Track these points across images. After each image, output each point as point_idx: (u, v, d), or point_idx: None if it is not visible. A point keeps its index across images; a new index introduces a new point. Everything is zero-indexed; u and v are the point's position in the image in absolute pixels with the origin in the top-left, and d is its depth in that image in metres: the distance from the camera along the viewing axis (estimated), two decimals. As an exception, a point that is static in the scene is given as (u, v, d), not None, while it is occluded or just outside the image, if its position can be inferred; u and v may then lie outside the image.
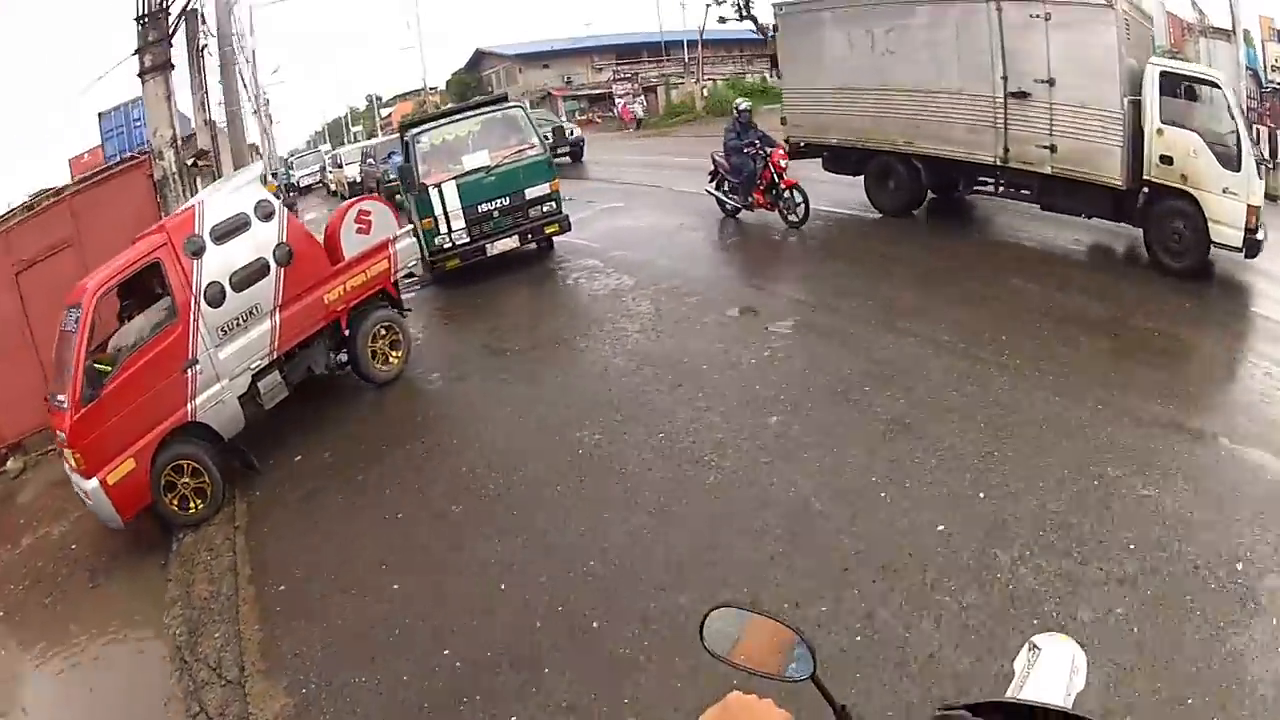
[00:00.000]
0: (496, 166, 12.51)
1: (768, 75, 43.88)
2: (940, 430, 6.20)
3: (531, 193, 12.54)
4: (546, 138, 17.46)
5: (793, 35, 13.72)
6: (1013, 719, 1.21)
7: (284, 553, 6.51)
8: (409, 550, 6.20)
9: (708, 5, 40.00)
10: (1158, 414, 6.13)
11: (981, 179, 11.31)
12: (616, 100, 44.14)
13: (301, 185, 38.23)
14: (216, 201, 7.97)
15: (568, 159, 23.20)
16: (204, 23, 15.54)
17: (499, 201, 12.46)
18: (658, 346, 8.74)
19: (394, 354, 8.95)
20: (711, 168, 13.42)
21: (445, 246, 12.31)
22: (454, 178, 12.25)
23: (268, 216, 7.96)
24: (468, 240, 12.42)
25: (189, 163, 13.58)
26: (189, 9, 14.95)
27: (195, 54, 15.27)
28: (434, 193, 12.15)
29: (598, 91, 47.72)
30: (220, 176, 14.98)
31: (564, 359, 9.04)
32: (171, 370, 7.09)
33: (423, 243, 11.74)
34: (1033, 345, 7.42)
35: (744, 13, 42.08)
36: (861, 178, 12.83)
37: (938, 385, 6.94)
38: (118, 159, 25.64)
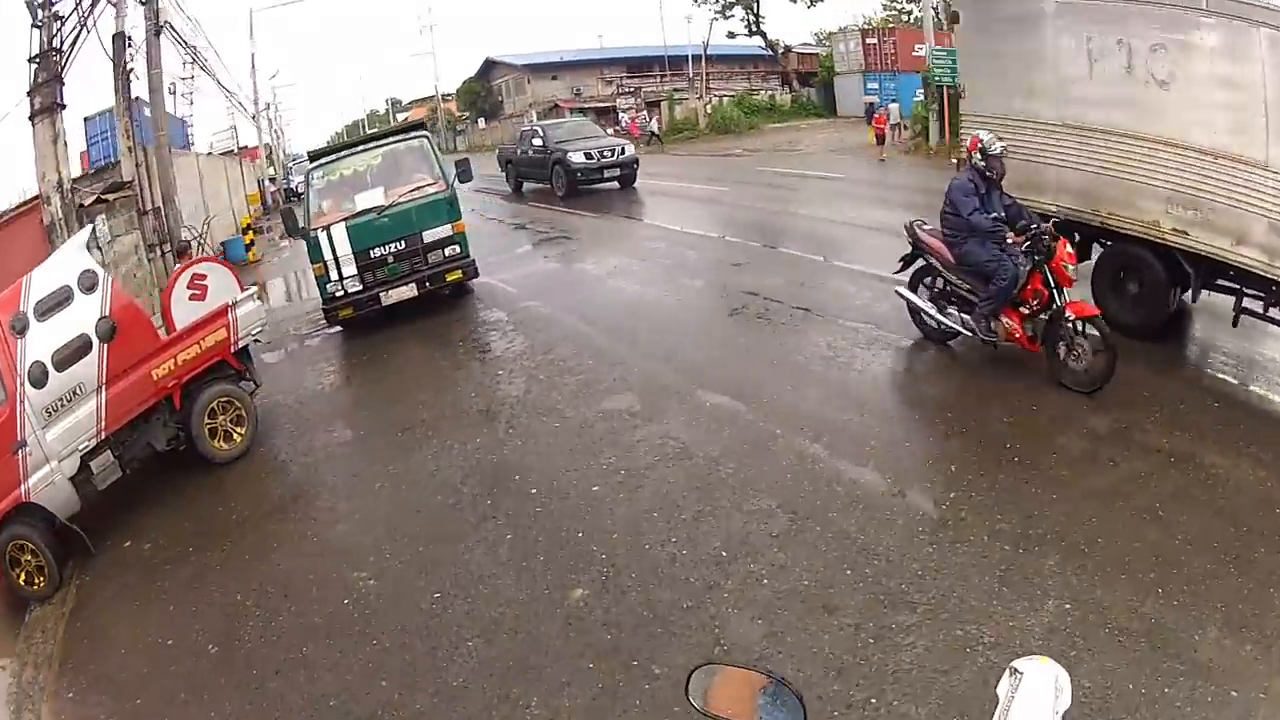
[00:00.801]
0: (390, 206, 11.04)
1: (778, 93, 42.49)
2: None
3: (430, 235, 11.12)
4: (595, 154, 20.50)
5: (987, 32, 8.48)
6: None
7: (92, 647, 5.71)
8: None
9: (712, 19, 38.79)
10: None
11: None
12: (620, 114, 42.92)
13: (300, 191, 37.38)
14: (43, 274, 7.20)
15: (615, 184, 20.93)
16: (130, 45, 14.39)
17: (393, 245, 10.99)
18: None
19: (237, 430, 7.85)
20: (908, 249, 7.68)
21: (337, 295, 10.98)
22: (344, 219, 10.95)
23: (90, 288, 7.19)
24: (360, 288, 11.01)
25: (88, 201, 12.34)
26: (117, 34, 13.93)
27: (122, 80, 14.18)
28: (323, 236, 10.88)
29: (606, 105, 46.49)
30: (144, 208, 13.81)
31: (399, 456, 7.39)
32: (3, 452, 6.51)
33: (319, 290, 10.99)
34: None
35: (753, 28, 40.75)
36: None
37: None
38: (104, 163, 25.30)
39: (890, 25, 38.96)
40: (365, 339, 11.03)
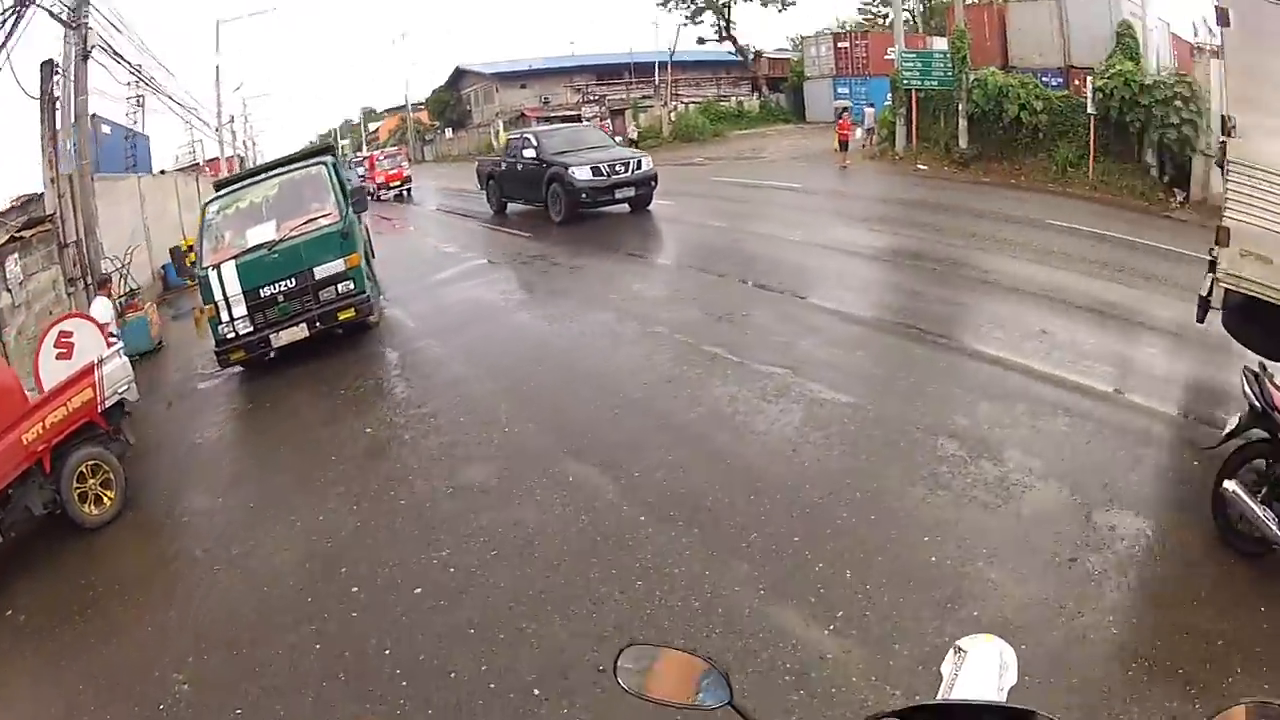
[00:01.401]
0: (280, 242, 10.45)
1: (747, 100, 42.13)
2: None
3: (322, 271, 10.49)
4: (605, 169, 16.72)
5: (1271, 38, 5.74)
6: None
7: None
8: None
9: (680, 25, 38.33)
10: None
11: None
12: (584, 123, 42.47)
13: None
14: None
15: (626, 206, 17.41)
16: (58, 73, 14.04)
17: (283, 284, 10.39)
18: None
19: (107, 494, 7.31)
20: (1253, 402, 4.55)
21: (229, 337, 10.39)
22: (234, 257, 10.44)
23: (-46, 351, 6.62)
24: (251, 330, 10.40)
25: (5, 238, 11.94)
26: (45, 62, 13.57)
27: (48, 106, 13.81)
28: (213, 275, 10.34)
29: (573, 113, 46.06)
30: (64, 240, 13.46)
31: (245, 534, 6.63)
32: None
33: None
34: None
35: (723, 33, 40.34)
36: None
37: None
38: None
39: (864, 29, 38.57)
40: (253, 383, 10.57)
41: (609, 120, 41.86)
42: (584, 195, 16.28)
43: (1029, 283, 10.50)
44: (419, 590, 5.36)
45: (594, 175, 16.35)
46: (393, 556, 5.80)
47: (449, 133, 61.16)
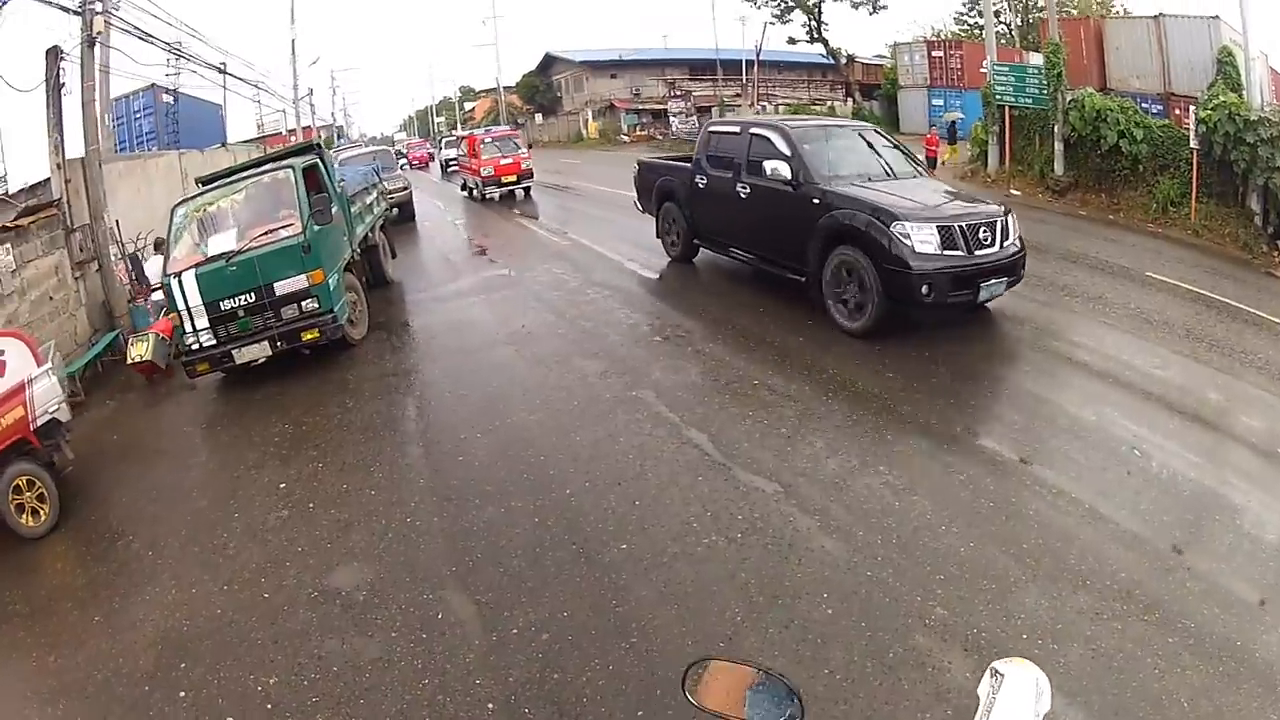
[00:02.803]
0: (240, 253, 9.32)
1: (839, 104, 39.86)
2: None
3: (282, 287, 9.33)
4: (967, 233, 8.09)
5: None
6: None
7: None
8: None
9: (766, 23, 36.21)
10: None
11: None
12: (671, 118, 40.92)
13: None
14: None
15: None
16: (63, 59, 13.34)
17: (242, 298, 9.28)
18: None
19: (43, 507, 7.04)
20: None
21: (194, 348, 9.49)
22: (195, 266, 9.37)
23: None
24: (214, 343, 9.45)
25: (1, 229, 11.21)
26: (50, 49, 12.88)
27: (54, 93, 13.15)
28: (174, 284, 9.34)
29: (660, 107, 44.52)
30: (72, 226, 12.81)
31: (127, 590, 5.78)
32: None
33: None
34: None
35: (814, 34, 38.14)
36: None
37: None
38: (119, 149, 24.91)
39: (958, 39, 35.92)
40: (218, 396, 9.93)
41: (694, 117, 40.16)
42: (925, 286, 7.91)
43: (1124, 367, 8.20)
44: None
45: (943, 244, 7.97)
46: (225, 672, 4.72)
47: (539, 118, 60.35)
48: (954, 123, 27.03)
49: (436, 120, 74.57)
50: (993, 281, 8.34)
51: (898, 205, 8.22)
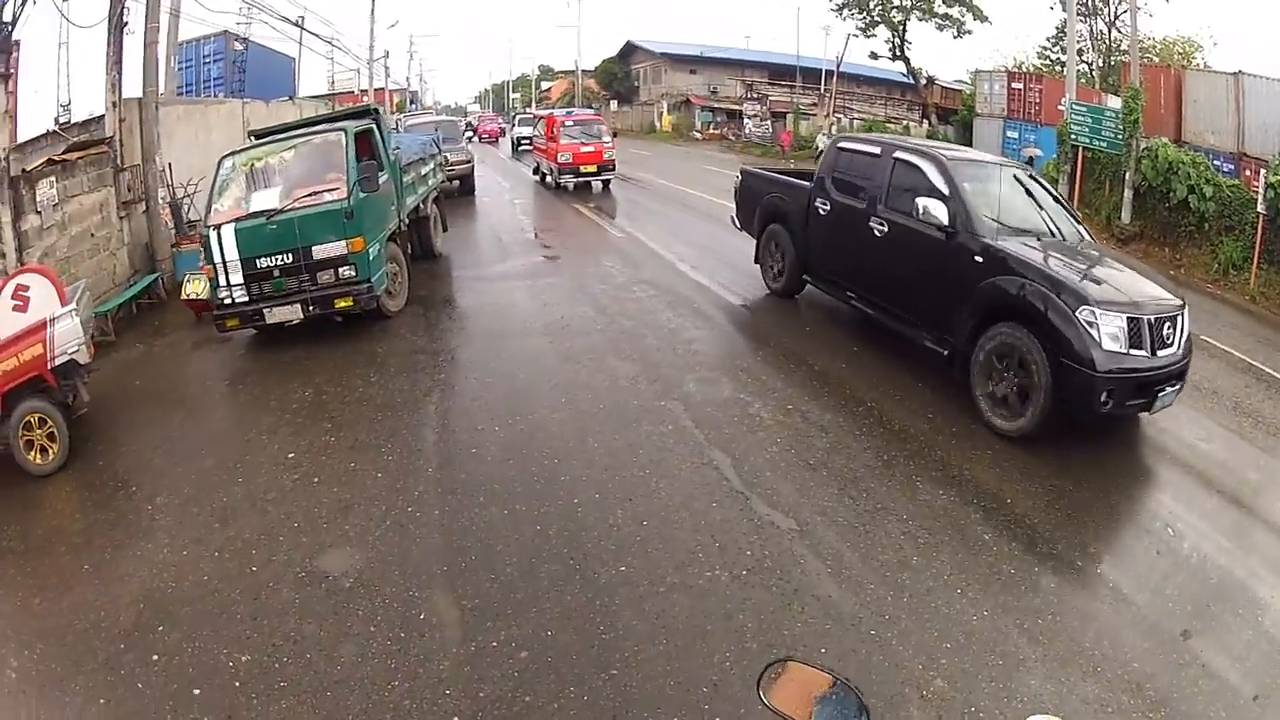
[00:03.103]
0: (281, 212, 9.19)
1: (914, 125, 39.02)
2: None
3: (320, 251, 9.18)
4: (1154, 328, 6.53)
5: None
6: None
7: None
8: None
9: (850, 35, 35.50)
10: None
11: None
12: (745, 120, 40.38)
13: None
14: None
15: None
16: None
17: (279, 258, 9.17)
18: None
19: (52, 446, 7.03)
20: None
21: (225, 302, 9.40)
22: (234, 220, 9.28)
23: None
24: (246, 299, 9.35)
25: (31, 166, 11.21)
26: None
27: (115, 31, 13.23)
28: (213, 236, 9.25)
29: (735, 108, 44.02)
30: (122, 165, 12.87)
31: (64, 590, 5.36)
32: None
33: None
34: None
35: (897, 52, 37.34)
36: None
37: None
38: (183, 93, 25.21)
39: (1039, 73, 34.93)
40: (246, 353, 9.87)
41: (767, 121, 39.62)
42: (1106, 392, 6.37)
43: (1168, 435, 7.51)
44: None
45: (1130, 340, 6.46)
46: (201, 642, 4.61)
47: (614, 105, 60.08)
48: (1031, 159, 26.29)
49: (512, 96, 74.74)
50: (1168, 390, 6.61)
51: (1085, 284, 6.49)
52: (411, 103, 58.49)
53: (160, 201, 13.46)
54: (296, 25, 25.78)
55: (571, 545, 5.35)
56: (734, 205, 11.55)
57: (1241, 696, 4.22)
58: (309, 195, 9.31)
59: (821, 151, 33.96)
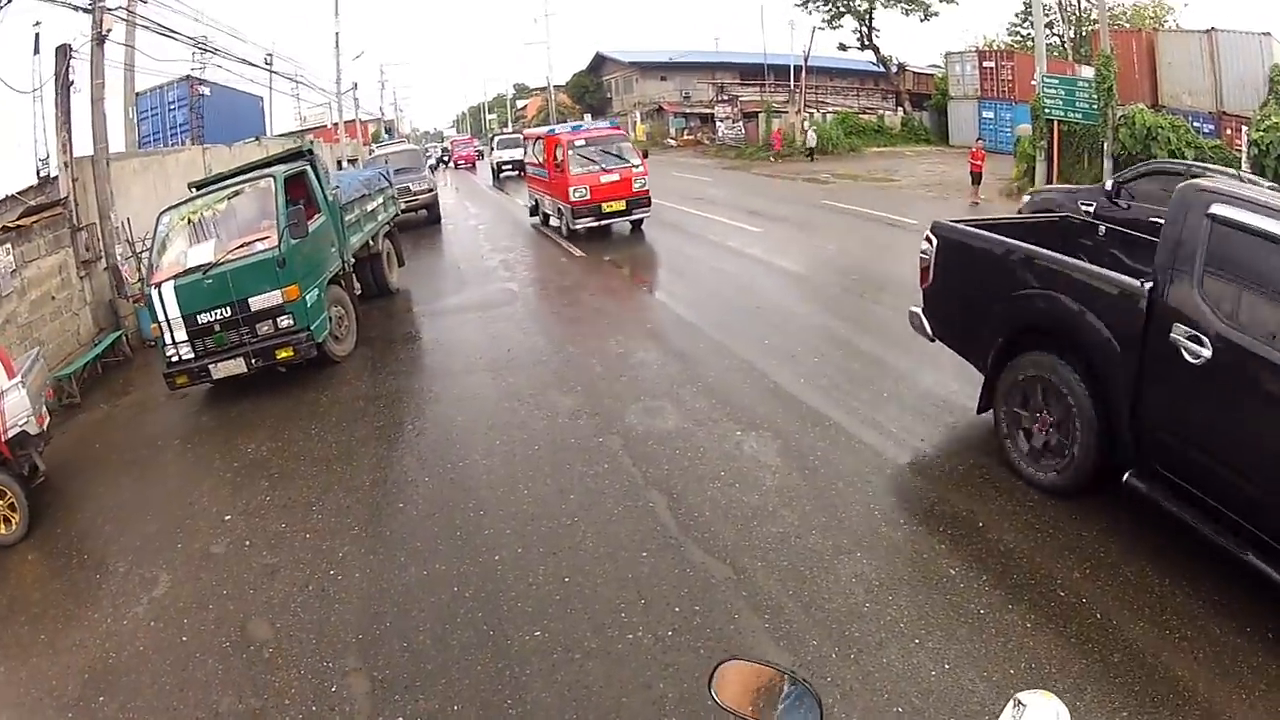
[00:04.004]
0: (215, 266, 8.99)
1: (888, 115, 38.77)
2: None
3: (257, 303, 8.99)
4: None
5: None
6: None
7: None
8: None
9: (815, 28, 35.25)
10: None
11: None
12: (718, 123, 40.13)
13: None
14: None
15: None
16: (73, 56, 13.28)
17: (218, 312, 8.98)
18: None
19: (13, 516, 6.97)
20: None
21: (174, 360, 9.22)
22: (172, 277, 9.11)
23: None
24: (192, 356, 9.17)
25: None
26: (60, 46, 12.85)
27: (63, 91, 13.11)
28: (155, 294, 9.12)
29: (708, 111, 43.80)
30: (78, 225, 12.71)
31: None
32: None
33: None
34: None
35: (865, 41, 37.10)
36: None
37: None
38: (149, 142, 25.04)
39: (1011, 49, 34.63)
40: (200, 408, 9.70)
41: (740, 123, 39.35)
42: None
43: None
44: None
45: None
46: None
47: (588, 119, 59.96)
48: (1020, 139, 25.99)
49: (489, 117, 74.81)
50: None
51: None
52: (387, 132, 58.38)
53: (119, 258, 13.27)
54: (265, 67, 25.62)
55: (487, 608, 5.02)
56: (921, 294, 6.73)
57: None
58: (242, 246, 9.11)
59: (808, 149, 33.84)
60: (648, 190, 16.26)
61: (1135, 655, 4.14)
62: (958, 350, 6.52)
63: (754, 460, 6.67)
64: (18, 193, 12.66)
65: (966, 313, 6.19)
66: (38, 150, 15.23)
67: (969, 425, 6.91)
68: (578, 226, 16.30)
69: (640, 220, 16.84)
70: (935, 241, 6.36)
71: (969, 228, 6.26)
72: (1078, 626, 4.38)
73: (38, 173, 13.71)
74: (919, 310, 6.67)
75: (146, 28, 14.12)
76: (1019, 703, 1.61)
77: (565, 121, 49.60)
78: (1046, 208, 12.69)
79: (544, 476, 6.69)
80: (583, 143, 16.37)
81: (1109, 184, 12.12)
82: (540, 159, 18.16)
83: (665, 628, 4.66)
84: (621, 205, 16.16)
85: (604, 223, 16.41)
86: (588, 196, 15.88)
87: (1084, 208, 11.72)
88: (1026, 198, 15.49)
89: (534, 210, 19.99)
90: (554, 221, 18.00)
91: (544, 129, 20.70)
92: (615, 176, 15.98)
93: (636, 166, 16.20)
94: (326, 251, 10.25)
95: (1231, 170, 13.71)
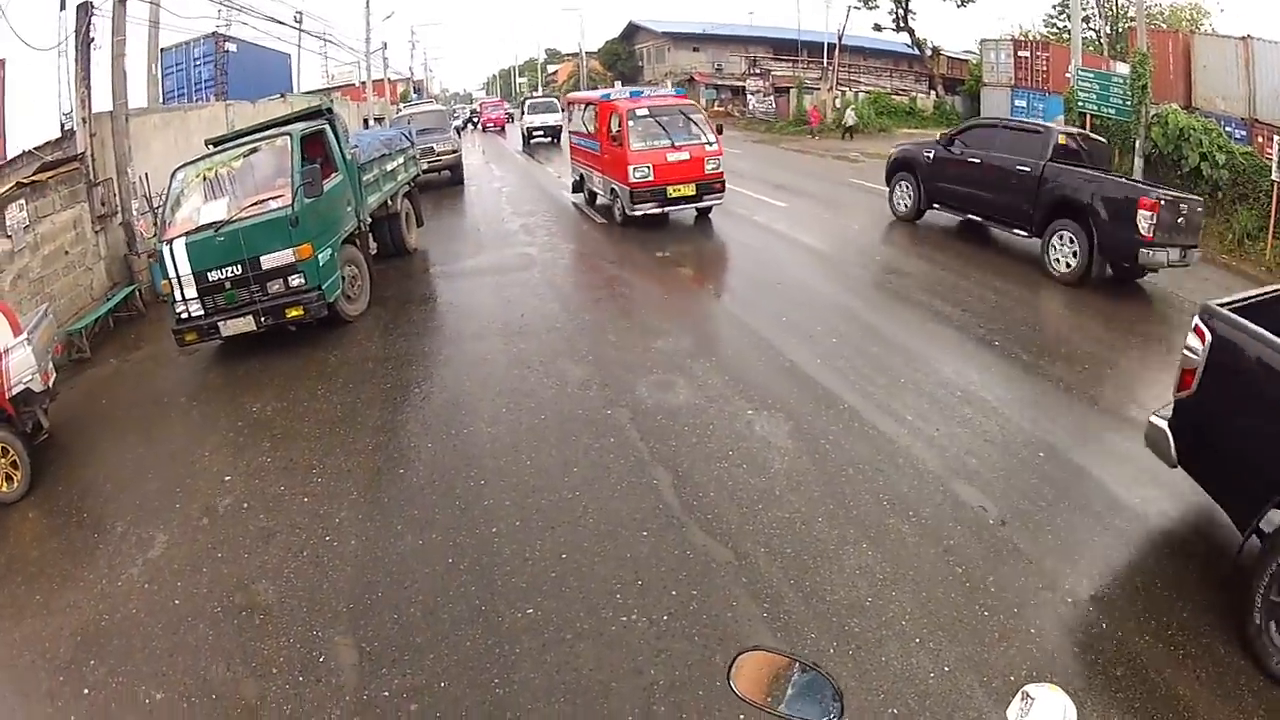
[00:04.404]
0: (227, 223, 8.84)
1: (921, 98, 38.06)
2: None
3: (269, 261, 8.83)
4: None
5: None
6: None
7: None
8: None
9: (851, 7, 34.51)
10: None
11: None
12: (749, 96, 39.53)
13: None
14: None
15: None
16: (94, 13, 13.16)
17: (229, 270, 8.82)
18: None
19: (15, 473, 6.86)
20: None
21: (183, 317, 9.08)
22: (185, 234, 8.96)
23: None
24: (201, 313, 9.02)
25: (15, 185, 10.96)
26: (81, 3, 12.56)
27: (83, 48, 12.99)
28: (166, 251, 8.96)
29: (739, 84, 43.18)
30: (95, 180, 12.63)
31: None
32: None
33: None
34: None
35: (900, 23, 36.34)
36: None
37: None
38: (173, 98, 24.93)
39: (1046, 40, 33.91)
40: (209, 365, 9.55)
41: (770, 97, 38.75)
42: None
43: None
44: None
45: None
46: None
47: (619, 85, 59.43)
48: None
49: (520, 80, 74.33)
50: None
51: None
52: (416, 92, 58.16)
53: (135, 213, 13.18)
54: (294, 25, 25.38)
55: (480, 582, 4.87)
56: (1173, 403, 5.03)
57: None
58: (255, 204, 8.95)
59: (846, 128, 33.14)
60: (721, 173, 13.67)
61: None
62: (1209, 489, 4.74)
63: (764, 441, 6.48)
64: (35, 148, 12.58)
65: (1244, 446, 4.37)
66: (61, 106, 15.12)
67: (985, 416, 6.68)
68: (637, 212, 13.53)
69: (709, 209, 14.38)
70: (1208, 338, 4.52)
71: (1268, 333, 4.20)
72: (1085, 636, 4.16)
73: (61, 127, 13.60)
74: (1163, 423, 4.89)
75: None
76: (1027, 695, 1.59)
77: (596, 89, 48.58)
78: (905, 156, 14.10)
79: (549, 447, 6.52)
80: (645, 112, 13.72)
81: (938, 135, 14.13)
82: (589, 128, 15.52)
83: (661, 611, 4.50)
84: (690, 190, 13.50)
85: (669, 209, 13.83)
86: (650, 178, 13.28)
87: (924, 154, 13.51)
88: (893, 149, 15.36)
89: (577, 186, 17.41)
90: (603, 201, 15.51)
91: (596, 93, 17.85)
92: (685, 155, 13.37)
93: (710, 144, 13.65)
94: (342, 211, 10.10)
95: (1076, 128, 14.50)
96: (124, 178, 13.17)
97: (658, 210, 13.68)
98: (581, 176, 17.00)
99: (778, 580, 4.73)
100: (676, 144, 13.45)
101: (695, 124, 13.90)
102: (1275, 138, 14.63)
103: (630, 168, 13.33)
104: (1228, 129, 18.33)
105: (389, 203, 12.56)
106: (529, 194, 20.69)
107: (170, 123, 15.50)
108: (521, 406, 7.32)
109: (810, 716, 1.64)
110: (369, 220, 11.38)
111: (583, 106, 16.76)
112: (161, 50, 19.93)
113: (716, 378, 7.75)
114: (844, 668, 4.01)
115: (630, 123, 13.44)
